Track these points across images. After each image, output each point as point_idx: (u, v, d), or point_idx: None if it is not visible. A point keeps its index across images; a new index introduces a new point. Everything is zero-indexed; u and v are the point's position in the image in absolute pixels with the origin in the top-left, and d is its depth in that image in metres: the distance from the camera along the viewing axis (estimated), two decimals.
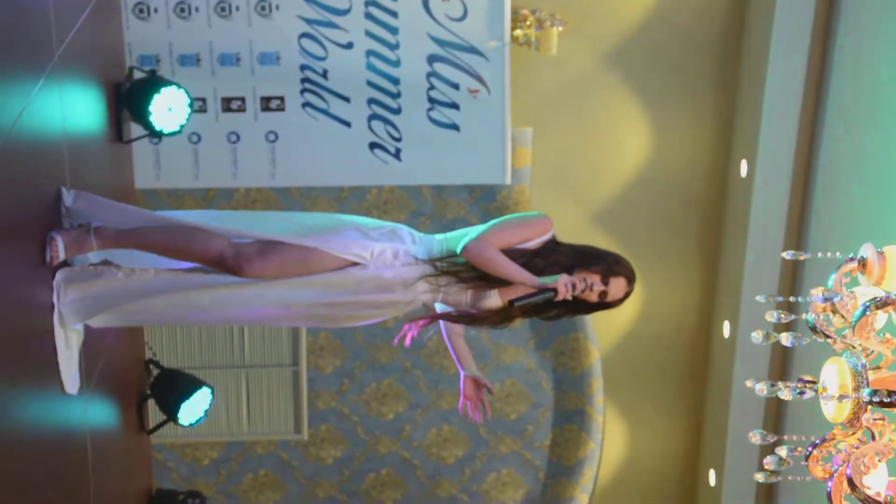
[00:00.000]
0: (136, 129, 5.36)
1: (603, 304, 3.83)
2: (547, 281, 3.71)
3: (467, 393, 3.99)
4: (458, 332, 4.00)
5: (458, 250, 3.74)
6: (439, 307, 3.89)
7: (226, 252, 3.70)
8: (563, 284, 3.69)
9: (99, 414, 4.33)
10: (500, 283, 3.79)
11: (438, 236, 3.87)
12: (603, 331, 7.61)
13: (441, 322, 3.95)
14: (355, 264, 3.75)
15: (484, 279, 3.78)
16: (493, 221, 3.86)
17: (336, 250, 3.72)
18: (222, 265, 3.71)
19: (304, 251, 3.71)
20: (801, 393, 2.63)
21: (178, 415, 5.43)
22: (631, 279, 3.81)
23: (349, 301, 3.78)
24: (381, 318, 3.92)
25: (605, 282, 3.76)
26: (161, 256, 3.82)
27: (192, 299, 3.74)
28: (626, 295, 3.83)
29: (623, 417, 7.99)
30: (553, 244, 3.84)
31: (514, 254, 3.78)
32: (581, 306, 3.86)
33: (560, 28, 6.93)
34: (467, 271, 3.77)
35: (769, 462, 2.81)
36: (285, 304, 3.77)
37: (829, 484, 2.72)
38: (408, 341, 3.93)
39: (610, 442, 7.86)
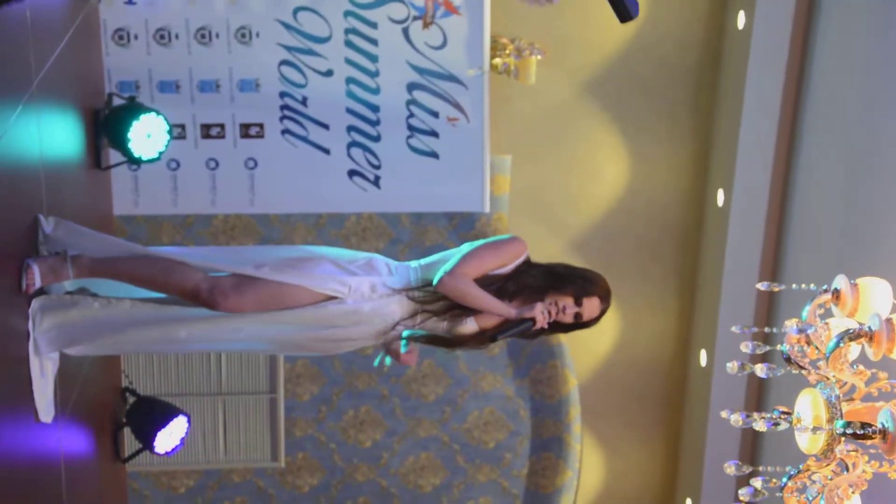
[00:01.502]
0: (114, 156, 5.36)
1: (580, 324, 3.84)
2: (523, 311, 3.72)
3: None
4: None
5: (434, 283, 3.75)
6: None
7: (201, 286, 3.69)
8: (540, 313, 3.71)
9: (74, 442, 4.30)
10: (477, 311, 3.79)
11: (413, 263, 3.87)
12: (581, 358, 7.62)
13: None
14: (332, 298, 3.75)
15: (460, 308, 3.79)
16: (466, 249, 3.84)
17: (313, 286, 3.72)
18: (198, 299, 3.69)
19: (281, 286, 3.70)
20: (776, 424, 2.64)
21: (154, 443, 5.41)
22: (604, 297, 3.81)
23: (327, 336, 3.78)
24: (359, 346, 3.92)
25: (578, 303, 3.77)
26: (137, 287, 3.81)
27: (169, 333, 3.72)
28: (603, 312, 3.83)
29: (600, 445, 7.99)
30: (525, 266, 3.84)
31: (486, 280, 3.79)
32: (558, 326, 3.86)
33: (539, 57, 6.97)
34: (441, 302, 3.77)
35: (745, 494, 2.82)
36: (261, 338, 3.76)
37: None
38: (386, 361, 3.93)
39: (587, 470, 7.85)
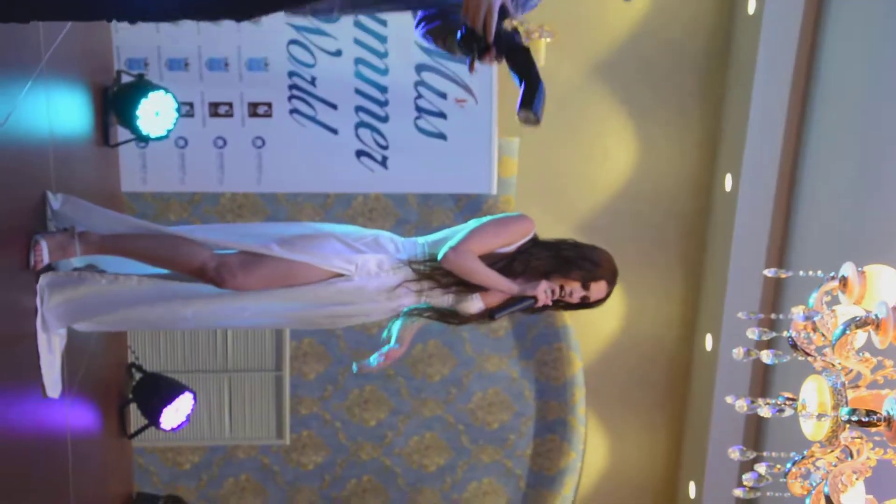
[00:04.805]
0: (122, 133, 5.36)
1: (585, 305, 3.86)
2: (527, 288, 3.74)
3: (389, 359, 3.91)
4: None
5: (439, 258, 3.76)
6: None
7: (208, 264, 3.69)
8: (543, 292, 3.72)
9: (80, 418, 4.33)
10: (482, 287, 3.80)
11: (420, 239, 3.88)
12: (586, 341, 7.62)
13: None
14: (339, 275, 3.76)
15: (464, 284, 3.80)
16: (472, 224, 3.82)
17: (320, 263, 3.73)
18: (205, 277, 3.70)
19: (288, 264, 3.71)
20: (781, 411, 2.65)
21: (160, 419, 5.43)
22: (611, 280, 3.83)
23: (333, 312, 3.79)
24: (365, 320, 3.93)
25: (585, 287, 3.79)
26: (144, 264, 3.82)
27: (177, 311, 3.74)
28: (609, 293, 3.85)
29: (604, 428, 8.01)
30: (532, 245, 3.84)
31: (492, 258, 3.79)
32: (563, 305, 3.88)
33: (548, 39, 6.89)
34: (447, 276, 3.79)
35: (748, 479, 2.82)
36: (268, 315, 3.78)
37: (808, 501, 2.74)
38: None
39: (591, 452, 7.87)
